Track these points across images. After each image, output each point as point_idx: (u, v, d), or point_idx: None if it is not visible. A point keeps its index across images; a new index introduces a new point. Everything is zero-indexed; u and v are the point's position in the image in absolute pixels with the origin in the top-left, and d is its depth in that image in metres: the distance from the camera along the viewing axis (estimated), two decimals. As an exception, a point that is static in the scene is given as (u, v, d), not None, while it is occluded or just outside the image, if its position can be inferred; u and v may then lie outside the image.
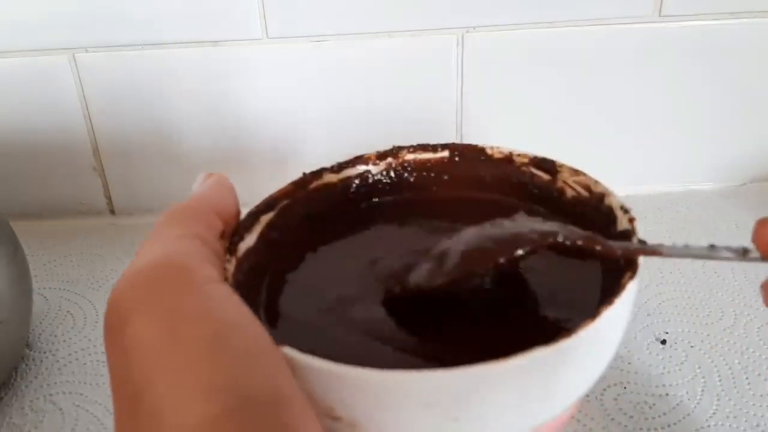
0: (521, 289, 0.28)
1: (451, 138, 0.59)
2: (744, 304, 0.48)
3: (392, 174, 0.33)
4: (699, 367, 0.43)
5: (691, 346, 0.45)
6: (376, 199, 0.33)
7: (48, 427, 0.42)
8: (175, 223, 0.24)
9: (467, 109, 0.58)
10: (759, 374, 0.42)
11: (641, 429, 0.39)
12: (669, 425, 0.40)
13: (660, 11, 0.54)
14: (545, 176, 0.32)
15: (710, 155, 0.60)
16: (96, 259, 0.57)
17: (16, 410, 0.43)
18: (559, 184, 0.32)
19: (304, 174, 0.31)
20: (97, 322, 0.50)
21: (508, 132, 0.59)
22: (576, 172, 0.31)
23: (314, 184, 0.31)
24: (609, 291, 0.24)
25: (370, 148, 0.60)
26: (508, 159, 0.33)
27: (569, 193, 0.31)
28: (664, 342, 0.45)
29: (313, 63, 0.56)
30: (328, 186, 0.31)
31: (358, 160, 0.33)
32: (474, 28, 0.54)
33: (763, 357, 0.44)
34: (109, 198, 0.62)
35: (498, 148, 0.33)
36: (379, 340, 0.25)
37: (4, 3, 0.53)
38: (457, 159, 0.34)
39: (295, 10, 0.54)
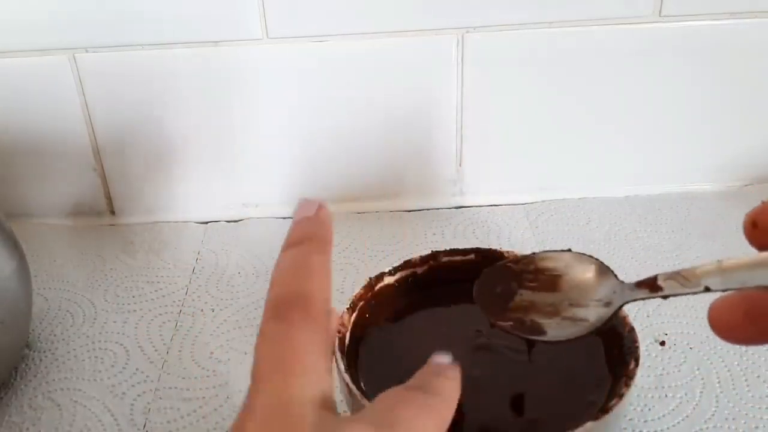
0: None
1: (451, 137, 0.59)
2: (743, 305, 0.48)
3: (433, 273, 0.43)
4: (698, 369, 0.43)
5: (690, 348, 0.45)
6: (425, 291, 0.43)
7: (46, 424, 0.42)
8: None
9: (467, 109, 0.58)
10: (758, 376, 0.42)
11: (641, 431, 0.40)
12: (668, 427, 0.40)
13: (660, 11, 0.54)
14: None
15: (710, 156, 0.60)
16: (96, 259, 0.57)
17: (15, 409, 0.43)
18: None
19: (370, 278, 0.41)
20: (95, 319, 0.50)
21: (508, 132, 0.59)
22: None
23: (378, 286, 0.41)
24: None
25: (370, 149, 0.60)
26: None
27: None
28: (663, 343, 0.45)
29: (313, 63, 0.56)
30: (389, 286, 0.42)
31: (407, 264, 0.42)
32: (474, 28, 0.54)
33: (762, 359, 0.44)
34: (109, 198, 0.62)
35: (512, 251, 0.42)
36: None
37: (4, 3, 0.53)
38: (481, 260, 0.42)
39: (296, 11, 0.54)
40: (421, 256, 0.43)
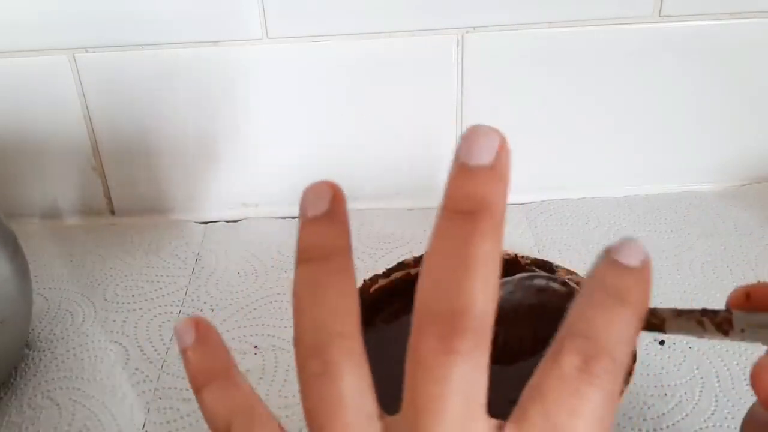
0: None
1: (451, 138, 0.59)
2: (743, 304, 0.48)
3: None
4: (697, 368, 0.43)
5: (690, 347, 0.45)
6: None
7: (45, 423, 0.42)
8: None
9: (467, 109, 0.58)
10: (758, 375, 0.42)
11: (640, 429, 0.40)
12: (667, 426, 0.40)
13: (660, 11, 0.54)
14: (545, 273, 0.40)
15: (710, 155, 0.60)
16: (96, 259, 0.57)
17: (15, 409, 0.43)
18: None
19: (364, 281, 0.41)
20: (95, 319, 0.50)
21: (507, 132, 0.59)
22: (570, 271, 0.41)
23: (373, 288, 0.42)
24: None
25: (370, 149, 0.60)
26: (515, 260, 0.42)
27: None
28: (662, 342, 0.45)
29: (313, 63, 0.56)
30: (382, 288, 0.42)
31: (401, 265, 0.42)
32: (474, 28, 0.54)
33: (762, 358, 0.44)
34: (109, 198, 0.62)
35: (506, 251, 0.41)
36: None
37: (4, 3, 0.54)
38: None
39: (295, 11, 0.54)
40: (414, 257, 0.43)
